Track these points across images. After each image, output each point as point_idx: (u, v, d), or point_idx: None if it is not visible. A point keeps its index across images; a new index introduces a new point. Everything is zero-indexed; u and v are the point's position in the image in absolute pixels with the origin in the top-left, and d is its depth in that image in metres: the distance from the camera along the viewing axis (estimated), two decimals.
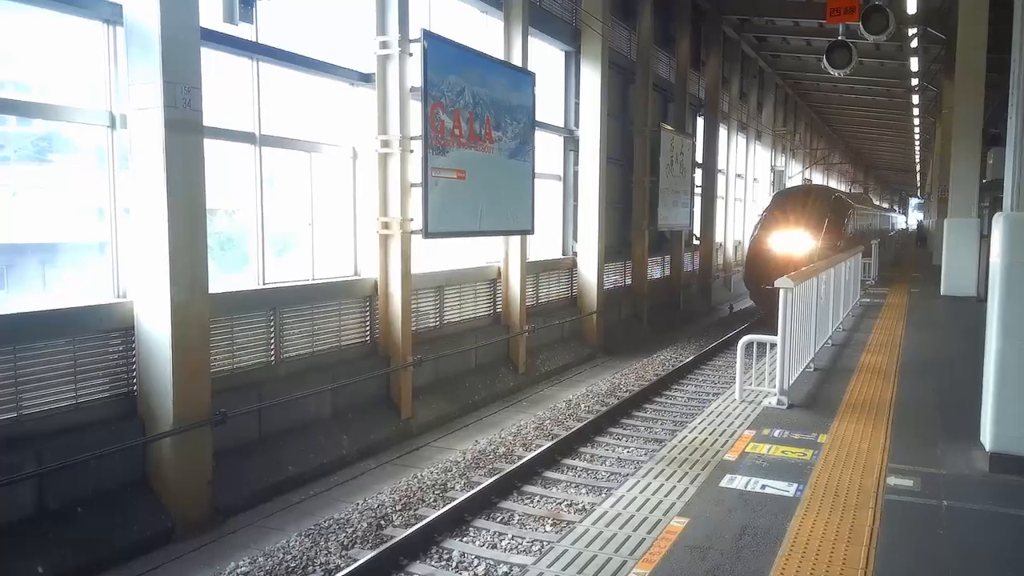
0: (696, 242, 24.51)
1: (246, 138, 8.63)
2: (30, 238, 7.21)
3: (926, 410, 6.39)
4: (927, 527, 4.02)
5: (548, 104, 15.28)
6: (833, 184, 45.80)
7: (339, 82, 10.05)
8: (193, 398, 7.23)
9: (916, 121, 35.93)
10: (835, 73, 10.07)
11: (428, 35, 10.05)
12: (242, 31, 8.14)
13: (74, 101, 7.07)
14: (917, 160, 52.52)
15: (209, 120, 7.49)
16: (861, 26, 9.25)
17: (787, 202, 20.01)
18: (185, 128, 7.04)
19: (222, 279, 8.61)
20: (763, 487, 4.56)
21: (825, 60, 9.86)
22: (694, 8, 22.49)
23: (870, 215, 28.60)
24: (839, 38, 9.75)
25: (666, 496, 4.43)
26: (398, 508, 7.50)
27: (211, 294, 7.54)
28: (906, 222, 73.15)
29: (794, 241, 18.24)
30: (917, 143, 44.89)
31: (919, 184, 61.26)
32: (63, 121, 7.04)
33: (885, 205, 73.98)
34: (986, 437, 4.92)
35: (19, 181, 7.19)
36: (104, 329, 7.03)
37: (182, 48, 6.98)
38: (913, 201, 79.32)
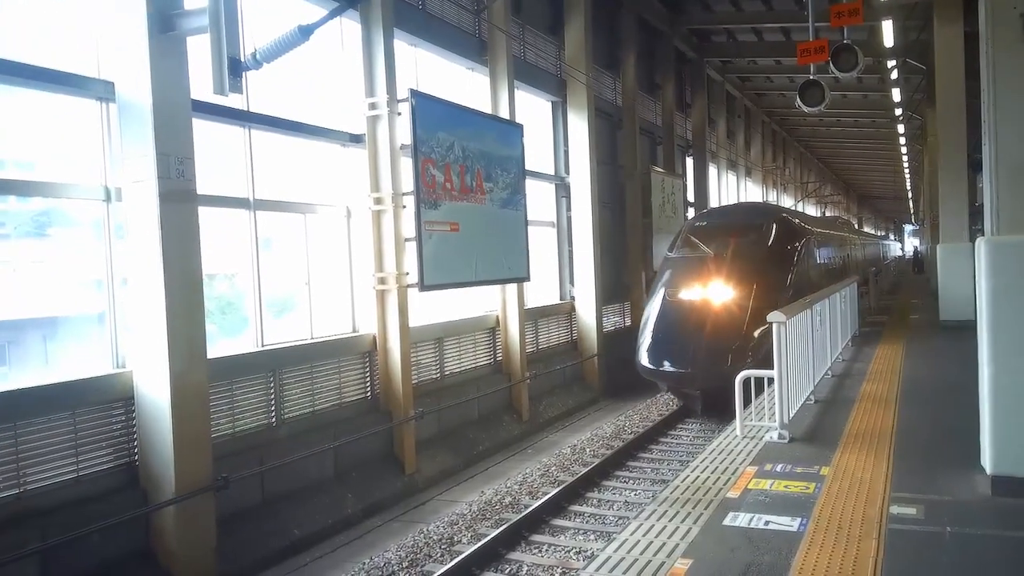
0: None
1: (241, 203, 8.77)
2: (31, 313, 7.29)
3: (928, 437, 6.38)
4: (931, 555, 4.00)
5: (538, 153, 15.52)
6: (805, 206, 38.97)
7: (331, 144, 10.25)
8: (194, 465, 7.22)
9: (904, 149, 36.37)
10: (808, 111, 10.31)
11: (415, 94, 10.28)
12: (233, 100, 8.33)
13: (71, 177, 7.22)
14: (908, 187, 52.95)
15: (203, 188, 7.64)
16: (831, 65, 9.50)
17: (700, 235, 13.39)
18: (179, 198, 7.17)
19: (223, 343, 8.66)
20: (766, 523, 4.54)
21: (799, 99, 10.11)
22: (677, 54, 22.98)
23: (849, 244, 22.61)
24: (811, 77, 10.01)
25: (669, 538, 4.41)
26: (405, 565, 7.43)
27: (210, 359, 7.59)
28: (902, 249, 73.46)
29: (703, 304, 11.93)
30: (907, 170, 45.34)
31: (912, 211, 61.64)
32: (61, 197, 7.18)
33: (880, 232, 74.23)
34: (987, 461, 4.91)
35: (19, 257, 7.30)
36: (104, 400, 7.06)
37: (174, 121, 7.15)
38: (908, 228, 79.78)
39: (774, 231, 13.28)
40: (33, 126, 7.18)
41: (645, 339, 12.18)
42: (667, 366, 11.67)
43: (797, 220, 14.97)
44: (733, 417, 7.05)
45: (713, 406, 12.01)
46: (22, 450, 6.40)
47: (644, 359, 12.04)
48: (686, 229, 14.09)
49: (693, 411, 12.83)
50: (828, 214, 35.90)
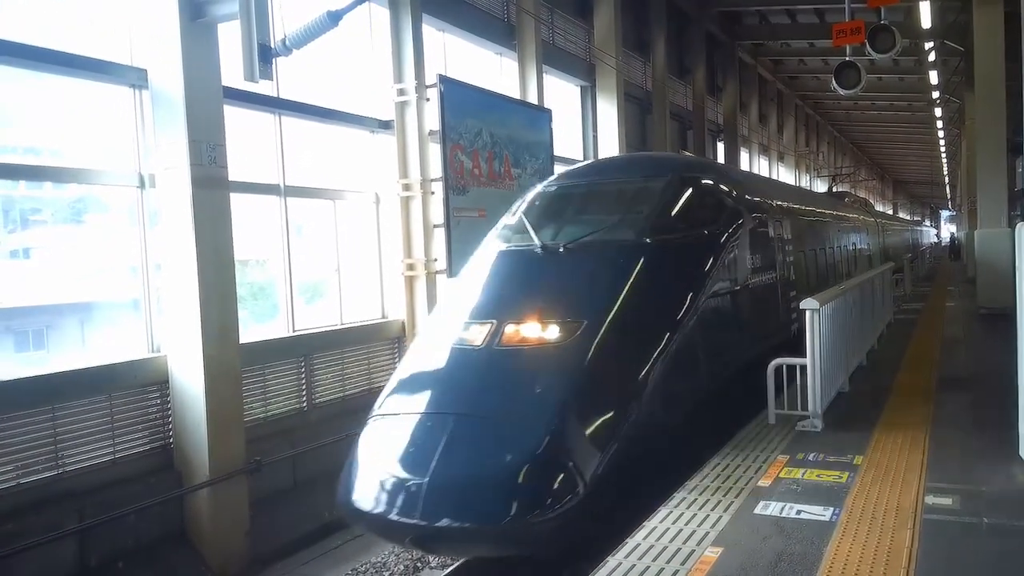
0: None
1: (271, 190, 8.84)
2: (68, 298, 7.42)
3: (964, 426, 6.25)
4: (967, 545, 3.93)
5: (567, 138, 15.42)
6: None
7: (360, 130, 10.27)
8: (227, 448, 7.33)
9: (941, 134, 35.62)
10: (843, 93, 10.11)
11: (444, 80, 10.26)
12: (263, 87, 8.37)
13: (105, 164, 7.32)
14: (945, 172, 51.91)
15: (235, 174, 7.70)
16: (868, 46, 9.30)
17: (543, 211, 7.13)
18: (211, 184, 7.24)
19: (255, 328, 8.76)
20: (798, 512, 4.48)
21: (834, 81, 9.91)
22: (708, 37, 22.66)
23: (862, 231, 16.87)
24: (847, 59, 9.81)
25: (699, 526, 4.37)
26: None
27: (243, 343, 7.68)
28: (938, 236, 72.06)
29: (500, 360, 5.55)
30: (944, 155, 44.45)
31: (949, 196, 60.47)
32: (95, 184, 7.28)
33: (915, 218, 72.75)
34: None
35: (56, 243, 7.43)
36: (139, 384, 7.18)
37: (206, 107, 7.22)
38: (945, 213, 78.34)
39: (676, 204, 6.85)
40: (67, 113, 7.28)
41: (367, 441, 5.35)
42: (395, 510, 4.81)
43: (734, 188, 7.86)
44: None
45: None
46: (60, 432, 6.54)
47: (352, 489, 5.08)
48: (525, 202, 7.50)
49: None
50: (836, 190, 26.27)
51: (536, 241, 6.43)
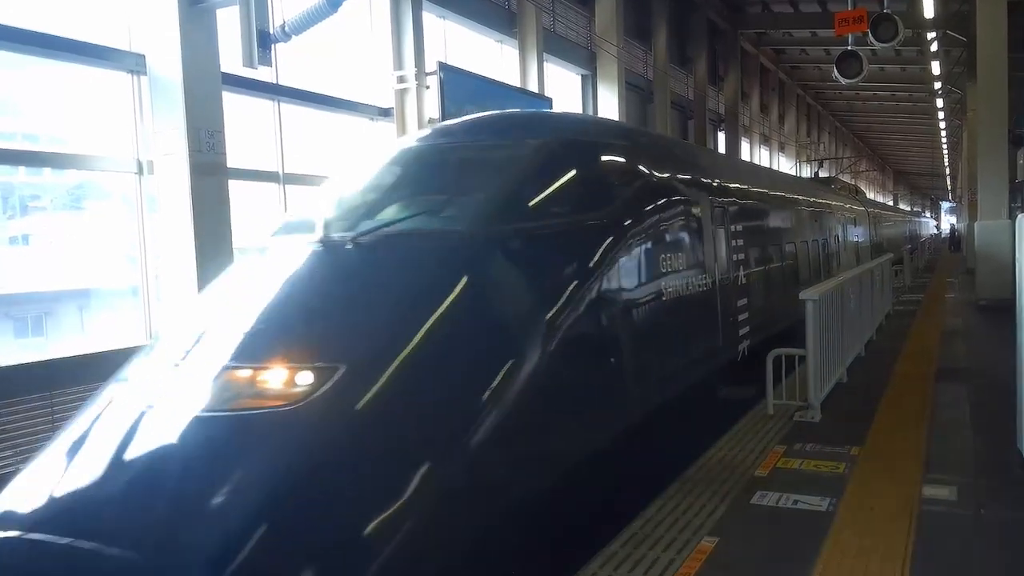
0: None
1: (270, 177, 8.81)
2: (67, 285, 7.41)
3: (963, 418, 6.26)
4: (964, 537, 3.93)
5: None
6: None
7: (359, 118, 10.24)
8: None
9: (942, 125, 35.55)
10: (845, 82, 10.08)
11: (444, 67, 10.22)
12: (262, 74, 8.34)
13: (103, 150, 7.30)
14: (946, 164, 51.84)
15: (234, 161, 7.68)
16: (870, 35, 9.27)
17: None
18: (210, 171, 7.22)
19: None
20: (795, 503, 4.49)
21: (836, 71, 9.89)
22: (710, 26, 22.56)
23: (848, 221, 14.62)
24: (849, 48, 9.79)
25: (696, 515, 4.38)
26: None
27: None
28: (938, 227, 72.10)
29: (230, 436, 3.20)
30: (945, 146, 44.38)
31: (950, 188, 60.42)
32: (94, 170, 7.26)
33: (915, 209, 72.72)
34: (1023, 443, 4.82)
35: (55, 229, 7.41)
36: None
37: (204, 94, 7.19)
38: (945, 205, 78.39)
39: (546, 179, 4.65)
40: (66, 99, 7.25)
41: None
42: None
43: (647, 161, 5.65)
44: None
45: None
46: (58, 419, 6.53)
47: None
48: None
49: None
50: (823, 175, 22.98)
51: (317, 232, 4.27)
